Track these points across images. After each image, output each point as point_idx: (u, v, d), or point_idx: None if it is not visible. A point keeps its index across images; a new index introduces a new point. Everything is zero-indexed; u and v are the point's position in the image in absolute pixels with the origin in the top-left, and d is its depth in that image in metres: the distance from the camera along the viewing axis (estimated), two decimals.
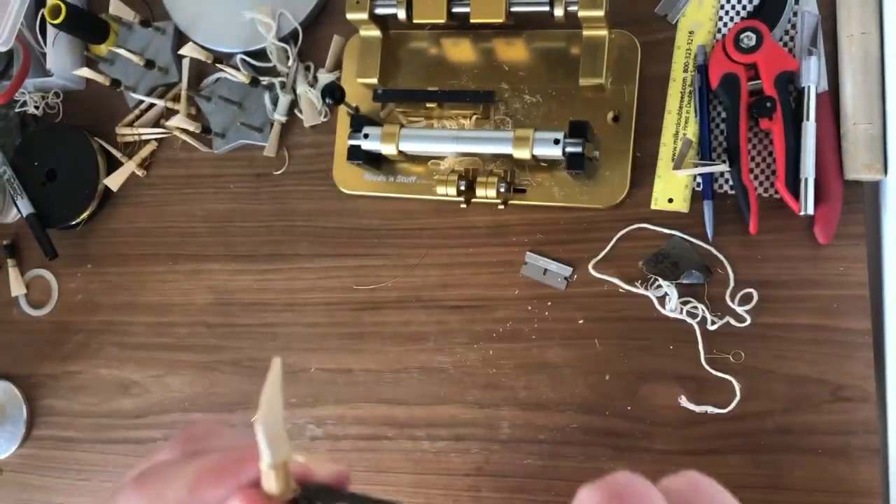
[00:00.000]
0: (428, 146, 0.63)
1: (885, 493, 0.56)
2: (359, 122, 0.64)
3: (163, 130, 0.75)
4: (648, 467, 0.59)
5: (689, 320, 0.59)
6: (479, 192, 0.62)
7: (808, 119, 0.56)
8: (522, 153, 0.59)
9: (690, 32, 0.61)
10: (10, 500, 0.76)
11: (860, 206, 0.57)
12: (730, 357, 0.58)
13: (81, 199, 0.75)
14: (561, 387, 0.62)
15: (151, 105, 0.76)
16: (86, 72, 0.72)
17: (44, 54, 0.76)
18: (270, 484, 0.26)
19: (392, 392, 0.66)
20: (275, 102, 0.71)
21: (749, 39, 0.57)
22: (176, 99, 0.74)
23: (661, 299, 0.60)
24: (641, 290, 0.60)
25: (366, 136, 0.63)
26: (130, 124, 0.76)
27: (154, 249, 0.75)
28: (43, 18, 0.73)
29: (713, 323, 0.58)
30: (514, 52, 0.65)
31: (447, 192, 0.61)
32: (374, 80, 0.66)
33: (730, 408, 0.58)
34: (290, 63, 0.71)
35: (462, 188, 0.61)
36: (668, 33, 0.62)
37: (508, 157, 0.60)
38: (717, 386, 0.58)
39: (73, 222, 0.76)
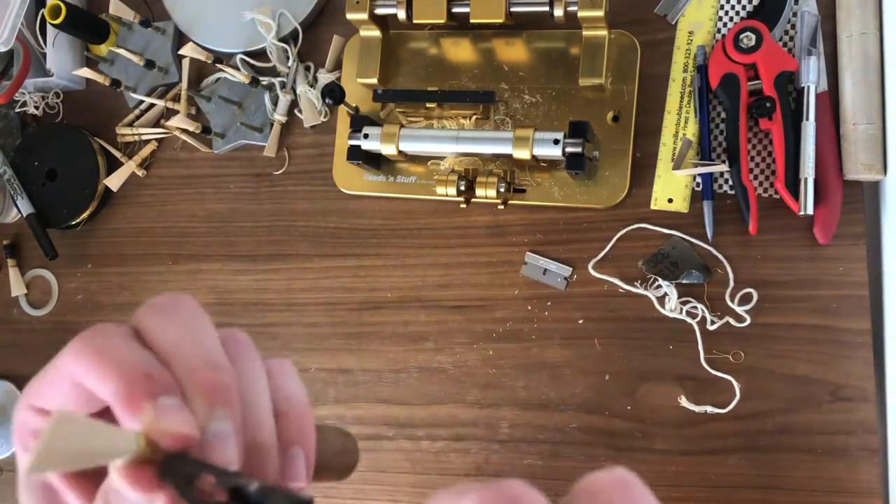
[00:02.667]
0: (428, 146, 0.63)
1: (884, 493, 0.56)
2: (358, 122, 0.64)
3: (163, 130, 0.75)
4: (648, 467, 0.59)
5: (688, 320, 0.59)
6: (479, 192, 0.62)
7: (807, 119, 0.56)
8: (522, 153, 0.59)
9: (690, 32, 0.61)
10: (10, 501, 0.76)
11: (860, 207, 0.57)
12: (729, 357, 0.58)
13: (81, 199, 0.75)
14: (561, 387, 0.62)
15: (151, 105, 0.76)
16: (86, 72, 0.72)
17: (44, 54, 0.76)
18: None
19: (392, 392, 0.66)
20: (275, 102, 0.71)
21: (749, 39, 0.57)
22: (176, 99, 0.74)
23: (661, 299, 0.60)
24: (641, 290, 0.60)
25: (366, 136, 0.63)
26: (130, 124, 0.76)
27: (154, 249, 0.75)
28: (43, 18, 0.73)
29: (713, 323, 0.58)
30: (513, 52, 0.65)
31: (447, 192, 0.61)
32: (374, 81, 0.66)
33: (729, 408, 0.58)
34: (290, 63, 0.71)
35: (462, 188, 0.61)
36: (667, 33, 0.62)
37: (508, 157, 0.60)
38: (716, 386, 0.58)
39: (74, 222, 0.76)
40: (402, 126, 0.63)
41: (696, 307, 0.59)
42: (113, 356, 0.27)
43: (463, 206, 0.65)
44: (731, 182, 0.59)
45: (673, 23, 0.62)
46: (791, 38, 0.60)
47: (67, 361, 0.28)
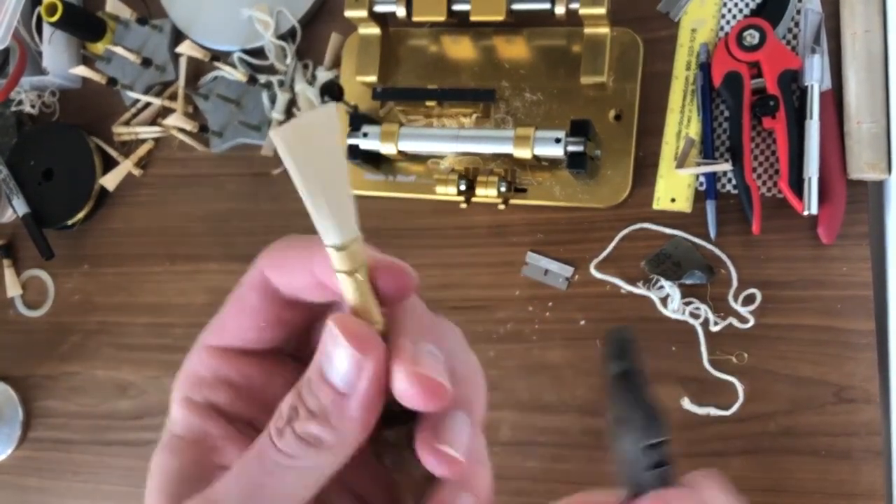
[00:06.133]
0: (428, 145, 0.62)
1: (888, 495, 0.55)
2: (358, 121, 0.63)
3: (160, 129, 0.74)
4: None
5: (691, 321, 0.58)
6: (480, 191, 0.61)
7: (811, 118, 0.55)
8: (523, 152, 0.58)
9: (693, 30, 0.61)
10: (6, 503, 0.76)
11: (864, 206, 0.57)
12: (732, 358, 0.58)
13: (78, 198, 0.74)
14: (562, 388, 0.61)
15: (148, 104, 0.75)
16: (82, 70, 0.72)
17: (40, 53, 0.76)
18: (339, 264, 0.22)
19: None
20: (273, 101, 0.70)
21: (752, 37, 0.57)
22: (173, 97, 0.74)
23: (664, 300, 0.59)
24: (643, 291, 0.60)
25: (365, 134, 0.62)
26: (127, 123, 0.75)
27: (151, 249, 0.74)
28: (39, 16, 0.72)
29: (716, 324, 0.58)
30: (514, 50, 0.64)
31: (447, 191, 0.61)
32: (374, 79, 0.66)
33: (732, 409, 0.57)
34: (288, 61, 0.70)
35: (462, 188, 0.61)
36: (670, 31, 0.62)
37: (509, 156, 0.60)
38: (719, 387, 0.58)
39: (70, 222, 0.75)
40: (401, 125, 0.62)
41: (698, 308, 0.58)
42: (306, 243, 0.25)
43: (463, 205, 0.64)
44: (734, 181, 0.59)
45: (675, 20, 0.62)
46: (795, 37, 0.59)
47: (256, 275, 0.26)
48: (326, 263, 0.22)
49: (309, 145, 0.20)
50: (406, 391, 0.22)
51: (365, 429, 0.22)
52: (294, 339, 0.28)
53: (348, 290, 0.22)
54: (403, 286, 0.23)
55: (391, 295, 0.23)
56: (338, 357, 0.21)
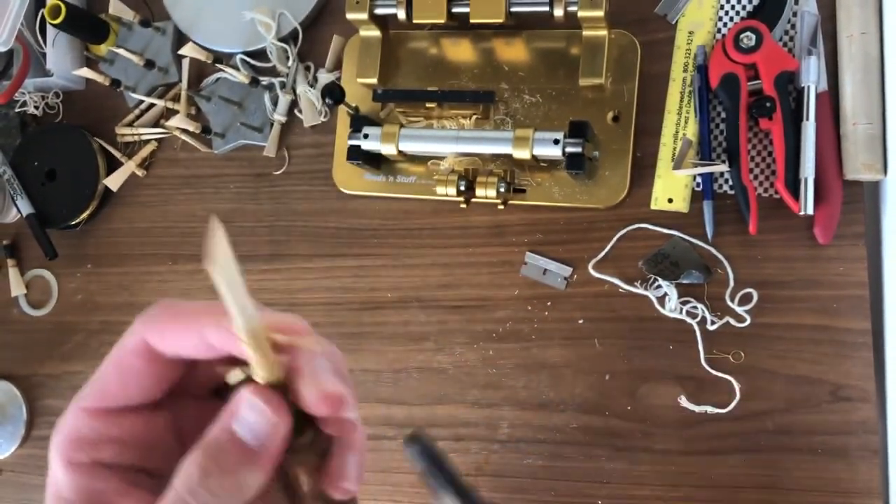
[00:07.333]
0: (428, 146, 0.63)
1: (884, 493, 0.56)
2: (358, 122, 0.64)
3: (163, 130, 0.75)
4: (648, 467, 0.59)
5: (688, 320, 0.59)
6: (479, 192, 0.62)
7: (807, 119, 0.56)
8: (522, 153, 0.59)
9: (690, 32, 0.61)
10: (9, 501, 0.76)
11: (860, 206, 0.57)
12: (729, 357, 0.58)
13: (81, 199, 0.75)
14: (560, 387, 0.62)
15: (151, 105, 0.76)
16: (86, 72, 0.72)
17: (44, 54, 0.76)
18: (253, 359, 0.26)
19: (391, 392, 0.66)
20: (275, 102, 0.71)
21: (749, 39, 0.57)
22: (176, 99, 0.74)
23: (661, 299, 0.60)
24: (641, 290, 0.60)
25: (365, 136, 0.63)
26: (130, 124, 0.76)
27: (154, 249, 0.75)
28: (43, 18, 0.73)
29: (713, 323, 0.58)
30: (513, 52, 0.65)
31: (447, 192, 0.61)
32: (374, 80, 0.66)
33: (729, 408, 0.58)
34: (289, 63, 0.71)
35: (462, 188, 0.61)
36: (667, 33, 0.62)
37: (508, 157, 0.60)
38: (716, 386, 0.58)
39: (73, 222, 0.76)
40: (401, 126, 0.63)
41: (696, 307, 0.59)
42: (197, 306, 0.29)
43: (463, 206, 0.65)
44: (731, 182, 0.59)
45: (673, 23, 0.62)
46: (791, 38, 0.60)
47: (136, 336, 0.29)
48: (217, 331, 0.27)
49: (223, 263, 0.26)
50: (315, 404, 0.27)
51: (277, 461, 0.27)
52: (173, 386, 0.31)
53: (252, 356, 0.26)
54: (298, 332, 0.28)
55: (293, 334, 0.28)
56: (256, 420, 0.26)
